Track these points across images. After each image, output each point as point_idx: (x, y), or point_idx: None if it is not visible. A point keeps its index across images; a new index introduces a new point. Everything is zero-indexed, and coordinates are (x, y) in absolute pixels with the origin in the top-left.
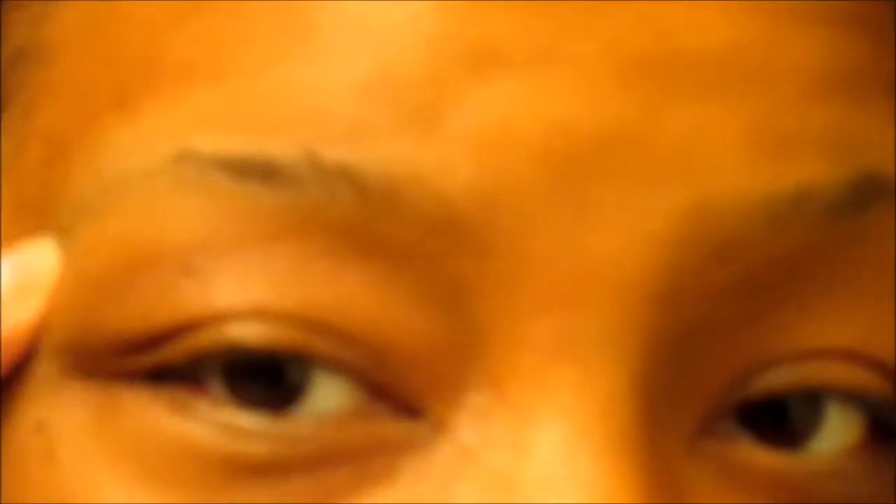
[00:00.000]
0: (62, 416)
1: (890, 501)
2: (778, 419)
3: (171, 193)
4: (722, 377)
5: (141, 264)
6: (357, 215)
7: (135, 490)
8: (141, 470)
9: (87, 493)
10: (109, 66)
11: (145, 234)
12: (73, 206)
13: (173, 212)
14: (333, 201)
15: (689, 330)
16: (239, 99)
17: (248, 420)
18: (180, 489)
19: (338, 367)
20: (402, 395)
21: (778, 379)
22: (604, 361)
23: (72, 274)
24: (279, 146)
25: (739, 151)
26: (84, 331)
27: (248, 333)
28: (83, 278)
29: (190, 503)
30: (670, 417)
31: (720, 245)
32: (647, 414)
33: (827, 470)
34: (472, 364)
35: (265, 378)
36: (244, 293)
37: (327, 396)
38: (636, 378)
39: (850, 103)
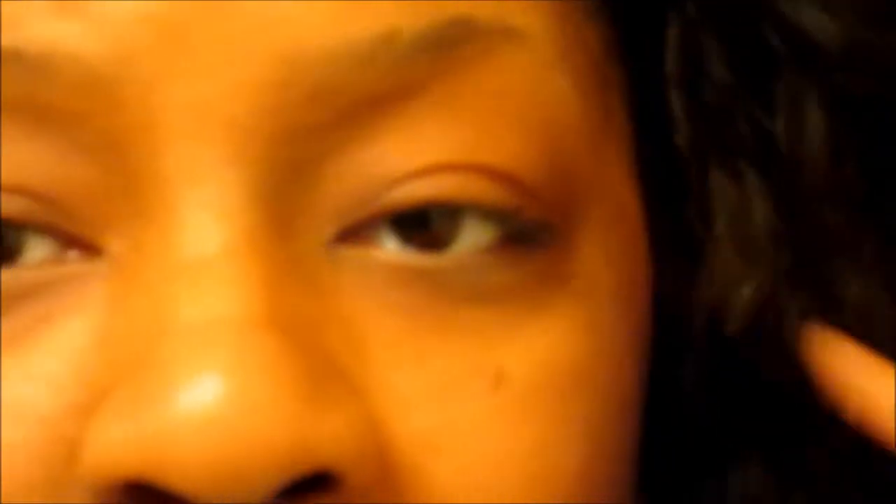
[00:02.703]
0: None
1: (529, 292)
2: (423, 226)
3: None
4: (349, 194)
5: None
6: (24, 89)
7: None
8: None
9: None
10: None
11: None
12: None
13: None
14: (8, 80)
15: (300, 159)
16: None
17: None
18: None
19: (41, 226)
20: (86, 240)
21: (409, 193)
22: (226, 183)
23: None
24: None
25: (322, 3)
26: None
27: None
28: None
29: None
30: (304, 229)
31: (312, 87)
32: (274, 225)
33: (463, 266)
34: (131, 201)
35: None
36: None
37: (35, 249)
38: (256, 196)
39: None
